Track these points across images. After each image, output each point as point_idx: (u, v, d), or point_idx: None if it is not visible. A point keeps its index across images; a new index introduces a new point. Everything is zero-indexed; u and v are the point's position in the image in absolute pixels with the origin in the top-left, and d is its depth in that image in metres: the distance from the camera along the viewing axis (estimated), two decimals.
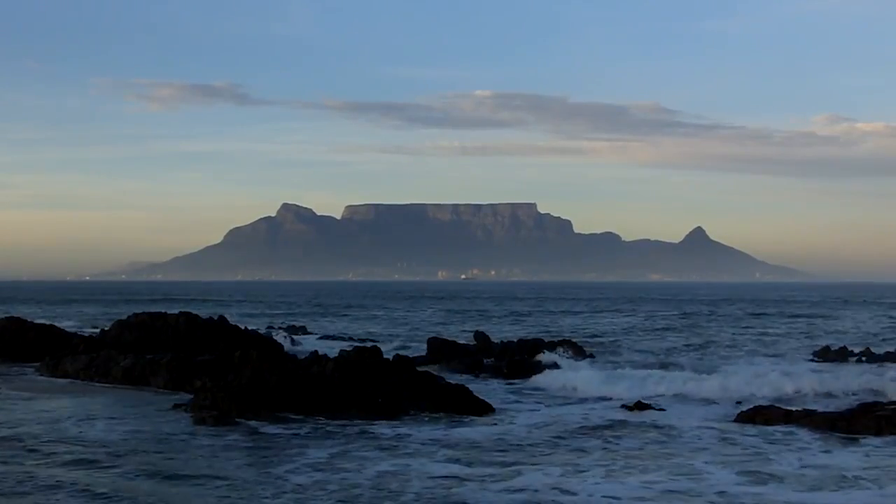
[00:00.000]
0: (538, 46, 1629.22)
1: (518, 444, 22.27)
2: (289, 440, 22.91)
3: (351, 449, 21.56)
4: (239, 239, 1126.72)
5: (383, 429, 24.28)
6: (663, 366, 39.56)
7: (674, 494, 17.31)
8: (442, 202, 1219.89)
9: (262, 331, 56.37)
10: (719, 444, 22.40)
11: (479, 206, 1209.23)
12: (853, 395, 31.60)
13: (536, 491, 17.46)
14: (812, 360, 45.70)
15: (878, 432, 23.45)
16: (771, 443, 22.54)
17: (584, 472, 19.12)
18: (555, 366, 38.83)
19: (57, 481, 18.06)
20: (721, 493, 17.45)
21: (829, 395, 31.70)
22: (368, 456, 20.65)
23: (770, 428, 24.39)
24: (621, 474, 18.90)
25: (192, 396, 28.68)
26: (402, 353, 39.99)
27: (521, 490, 17.58)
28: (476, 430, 24.31)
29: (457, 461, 20.19)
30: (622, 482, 18.15)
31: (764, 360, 46.15)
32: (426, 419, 26.07)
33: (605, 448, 21.85)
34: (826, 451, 21.50)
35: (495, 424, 25.46)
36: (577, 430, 24.49)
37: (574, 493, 17.34)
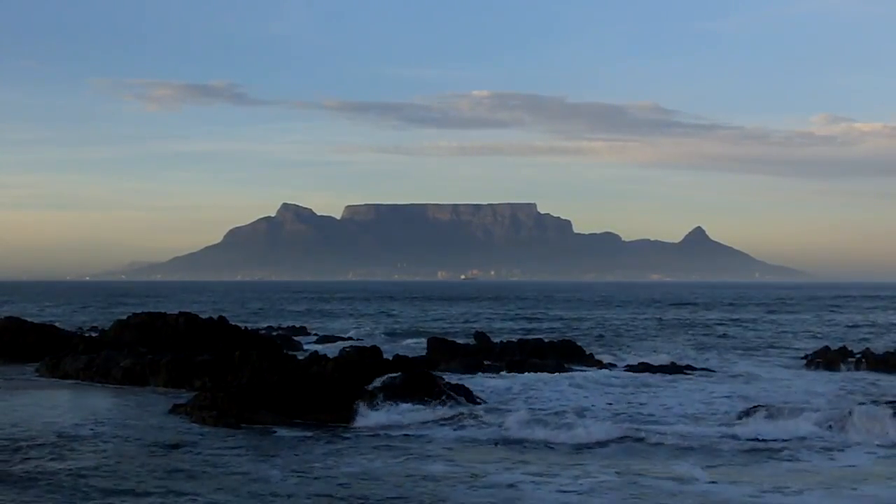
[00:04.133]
0: (536, 46, 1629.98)
1: (503, 445, 22.30)
2: (281, 440, 23.01)
3: (338, 449, 21.69)
4: (239, 239, 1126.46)
5: (376, 430, 24.33)
6: (665, 366, 39.55)
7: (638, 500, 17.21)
8: (441, 202, 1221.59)
9: (262, 331, 56.41)
10: (710, 446, 22.17)
11: (478, 207, 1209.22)
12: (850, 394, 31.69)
13: (491, 489, 17.58)
14: (812, 360, 45.64)
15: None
16: (766, 443, 22.51)
17: (555, 475, 18.98)
18: (554, 366, 38.85)
19: (47, 480, 18.14)
20: (688, 493, 17.45)
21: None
22: (351, 456, 20.78)
23: (767, 429, 24.34)
24: (589, 476, 18.81)
25: (191, 396, 28.70)
26: (401, 353, 40.04)
27: (477, 489, 17.70)
28: (469, 431, 24.30)
29: (438, 460, 20.42)
30: (583, 484, 18.12)
31: (765, 360, 46.24)
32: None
33: (587, 451, 21.60)
34: (822, 451, 21.48)
35: (486, 424, 25.48)
36: (566, 431, 24.36)
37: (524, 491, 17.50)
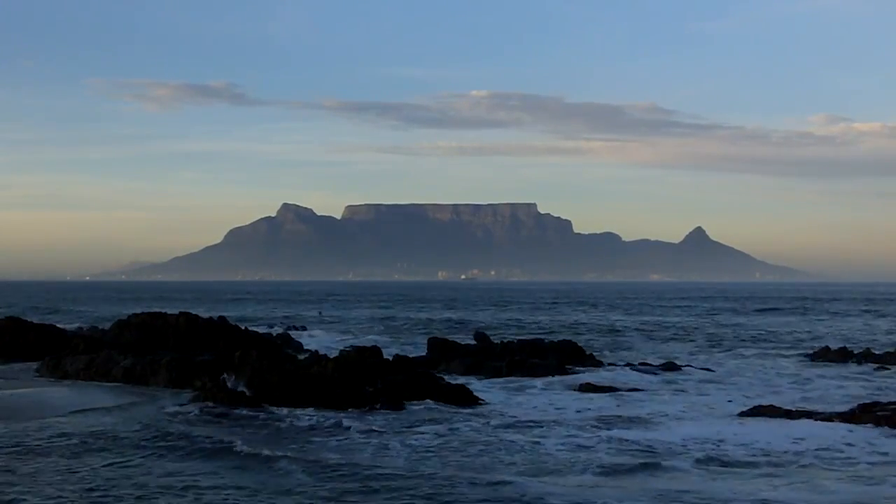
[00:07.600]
0: (534, 46, 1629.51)
1: (488, 445, 22.33)
2: (284, 438, 23.07)
3: (339, 446, 21.91)
4: (239, 239, 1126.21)
5: (369, 430, 24.34)
6: (665, 366, 39.56)
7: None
8: (441, 202, 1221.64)
9: (262, 331, 56.39)
10: (706, 445, 22.06)
11: (478, 207, 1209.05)
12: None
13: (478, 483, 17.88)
14: (813, 361, 45.66)
15: None
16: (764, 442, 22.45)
17: (550, 472, 19.09)
18: (555, 367, 38.82)
19: (55, 481, 18.19)
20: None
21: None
22: (353, 453, 20.99)
23: (766, 428, 24.32)
24: (587, 474, 18.93)
25: (192, 396, 28.71)
26: (402, 353, 40.02)
27: (477, 485, 17.82)
28: (469, 429, 24.33)
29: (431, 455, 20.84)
30: (557, 482, 18.22)
31: (766, 360, 46.23)
32: (422, 418, 26.10)
33: (572, 451, 21.45)
34: (819, 452, 21.41)
35: (476, 419, 25.51)
36: (560, 430, 24.29)
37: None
